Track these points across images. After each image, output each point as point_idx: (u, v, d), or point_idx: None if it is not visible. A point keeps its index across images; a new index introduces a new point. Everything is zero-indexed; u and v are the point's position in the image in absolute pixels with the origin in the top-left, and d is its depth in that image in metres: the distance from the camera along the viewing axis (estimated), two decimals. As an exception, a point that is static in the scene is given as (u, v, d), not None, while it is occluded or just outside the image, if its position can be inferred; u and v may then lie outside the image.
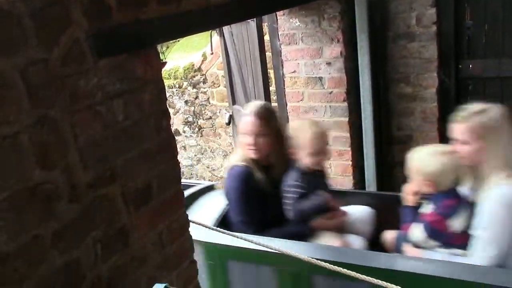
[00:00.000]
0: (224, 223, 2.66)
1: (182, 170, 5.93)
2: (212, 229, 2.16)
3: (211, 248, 2.46)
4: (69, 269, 1.28)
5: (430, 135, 3.54)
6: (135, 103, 1.44)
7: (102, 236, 1.37)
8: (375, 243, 2.65)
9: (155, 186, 1.55)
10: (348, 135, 3.53)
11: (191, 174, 6.12)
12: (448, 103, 3.45)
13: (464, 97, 3.43)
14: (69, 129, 1.24)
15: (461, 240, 2.14)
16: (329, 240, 2.50)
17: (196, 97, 5.76)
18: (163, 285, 1.27)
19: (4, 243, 1.09)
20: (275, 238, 2.34)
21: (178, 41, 6.63)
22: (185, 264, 1.73)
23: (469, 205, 2.18)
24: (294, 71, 3.56)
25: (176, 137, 5.90)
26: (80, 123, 1.27)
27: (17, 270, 1.13)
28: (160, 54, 1.56)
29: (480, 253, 2.03)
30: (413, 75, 3.46)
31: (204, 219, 2.52)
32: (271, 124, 2.58)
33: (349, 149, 3.56)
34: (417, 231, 2.24)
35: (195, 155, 6.06)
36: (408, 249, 2.29)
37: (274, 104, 3.90)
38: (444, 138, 3.49)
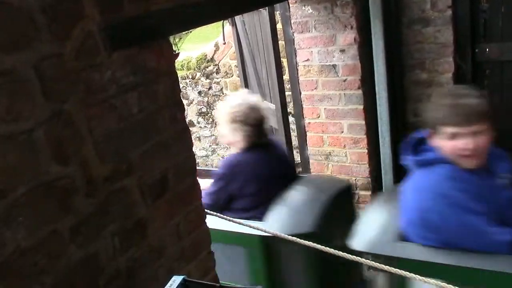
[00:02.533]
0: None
1: (197, 161, 5.96)
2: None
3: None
4: (88, 262, 1.28)
5: (446, 121, 3.48)
6: (149, 95, 1.43)
7: (120, 229, 1.37)
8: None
9: (171, 178, 1.55)
10: (363, 122, 3.49)
11: (206, 164, 6.13)
12: (465, 88, 3.40)
13: (481, 81, 3.37)
14: (84, 123, 1.24)
15: None
16: None
17: (210, 88, 5.75)
18: (181, 276, 1.26)
19: (22, 238, 1.10)
20: None
21: (191, 32, 6.62)
22: (203, 255, 1.73)
23: None
24: (308, 59, 3.53)
25: (191, 128, 5.90)
26: (95, 117, 1.27)
27: (36, 265, 1.14)
28: (173, 46, 1.55)
29: None
30: (428, 60, 3.40)
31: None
32: None
33: (365, 136, 3.52)
34: None
35: (209, 146, 6.06)
36: None
37: (288, 93, 3.87)
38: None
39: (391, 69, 3.39)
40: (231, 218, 2.10)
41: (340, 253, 1.71)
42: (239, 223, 2.11)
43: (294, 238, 1.91)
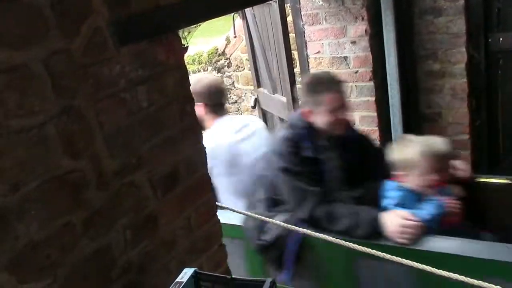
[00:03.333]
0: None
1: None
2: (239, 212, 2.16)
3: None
4: (100, 255, 1.30)
5: (460, 111, 3.46)
6: (158, 89, 1.44)
7: (131, 222, 1.39)
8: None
9: (181, 171, 1.56)
10: (375, 114, 3.48)
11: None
12: (478, 78, 3.36)
13: (494, 71, 3.34)
14: (94, 117, 1.25)
15: None
16: None
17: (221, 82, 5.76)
18: (192, 269, 1.27)
19: (35, 231, 1.12)
20: None
21: (200, 25, 6.62)
22: (214, 247, 1.74)
23: None
24: (319, 52, 3.52)
25: (203, 122, 5.91)
26: (105, 111, 1.28)
27: (49, 257, 1.16)
28: (182, 39, 1.55)
29: None
30: (441, 51, 3.37)
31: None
32: None
33: (377, 128, 3.51)
34: None
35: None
36: None
37: (298, 86, 3.86)
38: (474, 114, 3.42)
39: (403, 60, 3.37)
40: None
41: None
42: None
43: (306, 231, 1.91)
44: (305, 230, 1.93)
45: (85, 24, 1.21)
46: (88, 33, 1.22)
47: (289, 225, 1.98)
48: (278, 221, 2.11)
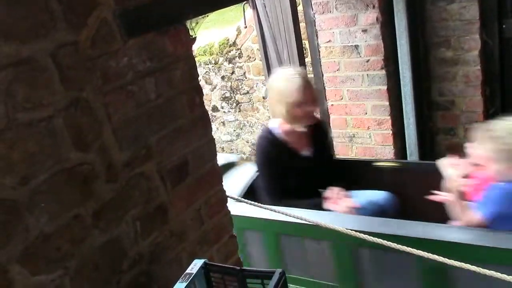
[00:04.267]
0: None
1: (222, 145, 5.98)
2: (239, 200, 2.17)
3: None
4: (111, 247, 1.31)
5: (474, 99, 3.41)
6: (166, 81, 1.44)
7: (141, 213, 1.39)
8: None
9: (191, 163, 1.56)
10: (387, 103, 3.45)
11: (231, 149, 6.14)
12: (492, 65, 3.31)
13: (509, 57, 3.28)
14: (102, 109, 1.25)
15: None
16: None
17: (233, 72, 5.74)
18: (202, 260, 1.28)
19: (45, 224, 1.13)
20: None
21: (207, 16, 6.60)
22: (225, 239, 1.74)
23: None
24: (329, 41, 3.49)
25: (215, 113, 5.93)
26: (113, 103, 1.28)
27: (59, 249, 1.16)
28: (190, 30, 1.54)
29: None
30: (453, 38, 3.32)
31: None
32: None
33: (389, 117, 3.48)
34: None
35: (234, 130, 6.07)
36: None
37: (310, 75, 3.84)
38: (488, 101, 3.37)
39: (415, 48, 3.33)
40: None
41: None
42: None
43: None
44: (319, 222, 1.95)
45: (92, 16, 1.21)
46: (95, 25, 1.21)
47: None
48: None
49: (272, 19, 3.70)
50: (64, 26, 1.14)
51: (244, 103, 5.81)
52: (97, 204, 1.25)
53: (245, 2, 3.98)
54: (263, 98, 4.31)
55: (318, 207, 2.48)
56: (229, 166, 3.12)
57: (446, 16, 3.29)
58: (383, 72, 3.37)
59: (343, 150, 3.75)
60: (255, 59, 5.48)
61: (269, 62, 4.02)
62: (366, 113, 3.53)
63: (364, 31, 3.33)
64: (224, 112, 6.02)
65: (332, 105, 3.65)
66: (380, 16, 3.25)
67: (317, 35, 3.53)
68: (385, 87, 3.41)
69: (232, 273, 1.26)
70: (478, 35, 3.24)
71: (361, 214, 2.42)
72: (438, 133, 3.57)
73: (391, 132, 3.51)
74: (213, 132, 1.67)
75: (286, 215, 2.09)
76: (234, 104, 5.89)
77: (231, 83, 5.80)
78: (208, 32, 7.28)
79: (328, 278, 2.43)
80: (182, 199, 1.53)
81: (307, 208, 2.39)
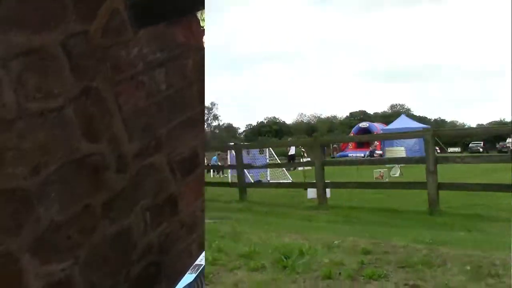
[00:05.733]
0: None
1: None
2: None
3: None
4: (121, 237, 1.31)
5: None
6: (177, 72, 1.43)
7: (151, 204, 1.39)
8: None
9: (201, 154, 1.55)
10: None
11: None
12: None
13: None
14: (113, 100, 1.25)
15: None
16: None
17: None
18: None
19: (56, 213, 1.13)
20: None
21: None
22: (235, 230, 1.74)
23: None
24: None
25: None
26: (124, 94, 1.27)
27: (70, 238, 1.17)
28: (201, 21, 1.54)
29: None
30: None
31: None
32: None
33: None
34: None
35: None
36: None
37: None
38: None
39: None
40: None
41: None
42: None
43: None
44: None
45: (102, 7, 1.20)
46: (106, 16, 1.21)
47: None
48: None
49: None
50: (74, 17, 1.14)
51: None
52: (108, 194, 1.25)
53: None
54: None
55: None
56: None
57: None
58: None
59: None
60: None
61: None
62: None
63: None
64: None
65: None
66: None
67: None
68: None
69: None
70: None
71: None
72: None
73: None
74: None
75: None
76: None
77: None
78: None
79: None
80: (192, 190, 1.53)
81: None
